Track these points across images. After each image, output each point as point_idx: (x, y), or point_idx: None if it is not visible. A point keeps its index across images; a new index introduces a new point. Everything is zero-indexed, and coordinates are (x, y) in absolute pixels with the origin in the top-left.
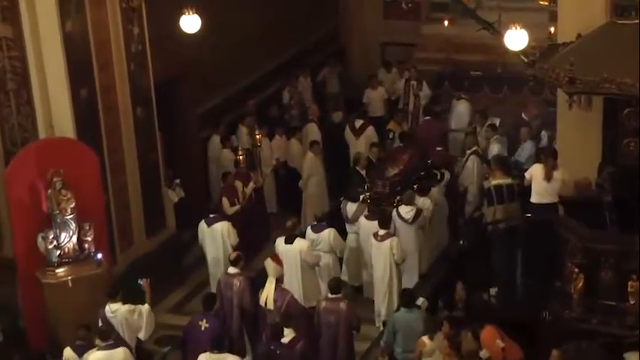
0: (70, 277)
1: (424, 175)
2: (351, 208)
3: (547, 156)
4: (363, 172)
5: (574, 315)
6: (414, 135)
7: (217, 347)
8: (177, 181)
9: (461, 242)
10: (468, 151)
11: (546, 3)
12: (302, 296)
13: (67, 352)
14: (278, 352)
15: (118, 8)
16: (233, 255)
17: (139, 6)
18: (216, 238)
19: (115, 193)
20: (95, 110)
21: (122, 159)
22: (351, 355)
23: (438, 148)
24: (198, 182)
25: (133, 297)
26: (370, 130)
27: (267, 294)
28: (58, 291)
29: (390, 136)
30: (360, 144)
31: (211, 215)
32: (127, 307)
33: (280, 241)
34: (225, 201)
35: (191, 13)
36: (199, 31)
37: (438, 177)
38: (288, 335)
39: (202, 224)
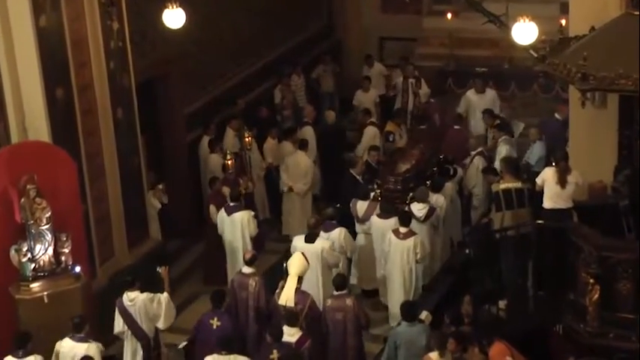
0: (45, 293)
1: (436, 171)
2: (361, 206)
3: (559, 159)
4: (360, 177)
5: (589, 329)
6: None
7: (226, 348)
8: (161, 186)
9: (467, 251)
10: (473, 152)
11: None
12: (321, 298)
13: (66, 342)
14: (280, 354)
15: (96, 2)
16: (248, 255)
17: (118, 0)
18: (236, 227)
19: (95, 201)
20: (72, 112)
21: (102, 164)
22: (361, 354)
23: (456, 127)
24: (184, 188)
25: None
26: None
27: (289, 293)
28: (33, 307)
29: (390, 139)
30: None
31: (232, 204)
32: (145, 295)
33: (299, 240)
34: (212, 209)
35: (175, 6)
36: (184, 26)
37: (451, 172)
38: (294, 335)
39: (222, 213)
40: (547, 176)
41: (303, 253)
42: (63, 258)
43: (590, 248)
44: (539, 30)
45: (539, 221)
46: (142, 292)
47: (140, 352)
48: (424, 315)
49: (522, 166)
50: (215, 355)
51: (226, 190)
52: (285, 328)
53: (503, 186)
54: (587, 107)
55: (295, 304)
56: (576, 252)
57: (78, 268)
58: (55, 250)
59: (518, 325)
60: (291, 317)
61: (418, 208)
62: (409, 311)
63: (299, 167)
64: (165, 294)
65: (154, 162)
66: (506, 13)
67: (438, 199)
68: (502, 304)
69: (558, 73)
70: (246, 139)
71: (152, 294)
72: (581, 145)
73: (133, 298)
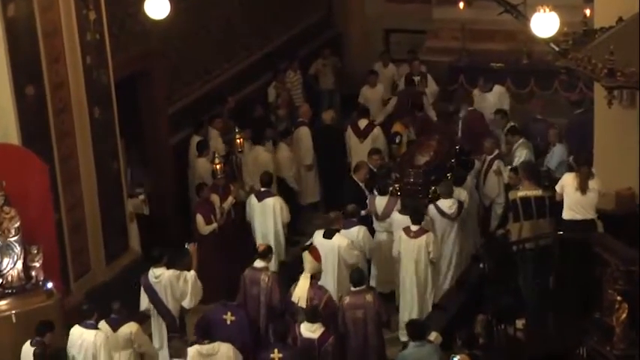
0: (13, 312)
1: (455, 163)
2: (380, 202)
3: (580, 163)
4: (362, 185)
5: (616, 352)
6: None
7: (207, 336)
8: (142, 197)
9: (481, 265)
10: (489, 157)
11: None
12: (336, 297)
13: (102, 324)
14: (282, 355)
15: None
16: (262, 247)
17: None
18: (267, 213)
19: (69, 209)
20: (44, 111)
21: (77, 168)
22: (383, 356)
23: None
24: (169, 195)
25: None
26: (377, 132)
27: (301, 291)
28: (0, 327)
29: (397, 140)
30: (365, 148)
31: (262, 189)
32: (171, 271)
33: (318, 234)
34: (199, 218)
35: None
36: (168, 16)
37: (468, 165)
38: (315, 331)
39: (252, 198)
40: (566, 183)
41: (312, 249)
42: (33, 273)
43: (616, 262)
44: (560, 21)
45: (561, 232)
46: (168, 268)
47: (165, 332)
48: (434, 336)
49: (543, 172)
50: (197, 346)
51: (215, 197)
52: (305, 325)
53: (521, 194)
54: (614, 107)
55: (311, 299)
56: (602, 266)
57: (50, 284)
58: (24, 264)
59: (538, 348)
60: (313, 312)
61: (448, 205)
62: (417, 330)
63: (258, 164)
64: (192, 272)
65: (135, 166)
66: (524, 3)
67: (460, 193)
68: (520, 323)
69: (582, 69)
70: (238, 141)
71: (178, 271)
72: (608, 149)
73: (159, 275)
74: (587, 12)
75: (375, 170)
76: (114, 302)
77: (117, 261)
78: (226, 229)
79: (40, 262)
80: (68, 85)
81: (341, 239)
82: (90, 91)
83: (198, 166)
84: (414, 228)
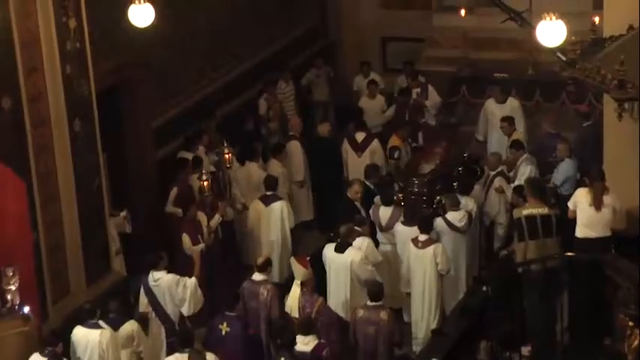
0: None
1: (463, 171)
2: (384, 213)
3: (594, 178)
4: (358, 203)
5: None
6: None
7: (186, 345)
8: (124, 213)
9: (484, 288)
10: (492, 173)
11: None
12: (349, 314)
13: (77, 330)
14: None
15: None
16: (261, 259)
17: None
18: (275, 218)
19: (47, 228)
20: (21, 124)
21: (56, 185)
22: None
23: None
24: (153, 214)
25: None
26: (375, 145)
27: (292, 300)
28: None
29: (395, 155)
30: (363, 163)
31: (268, 193)
32: (171, 276)
33: (330, 248)
34: (185, 238)
35: (142, 1)
36: (153, 24)
37: (478, 172)
38: (309, 343)
39: (258, 203)
40: (579, 198)
41: (298, 257)
42: (9, 296)
43: (628, 285)
44: (568, 29)
45: (570, 253)
46: (168, 272)
47: (164, 335)
48: None
49: (549, 189)
50: (177, 355)
51: (202, 216)
52: (299, 337)
53: (526, 212)
54: (624, 120)
55: (302, 307)
56: (613, 289)
57: (27, 309)
58: None
59: None
60: (305, 324)
61: (458, 218)
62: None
63: (251, 180)
64: (193, 278)
65: (118, 183)
66: (529, 9)
67: (468, 202)
68: (526, 350)
69: (591, 80)
70: (226, 156)
71: (178, 277)
72: (618, 165)
73: (158, 279)
74: (596, 20)
75: (372, 188)
76: (111, 302)
77: (98, 283)
78: (213, 249)
79: (16, 285)
80: (47, 96)
81: (354, 253)
82: (70, 103)
83: (192, 183)
84: (422, 238)
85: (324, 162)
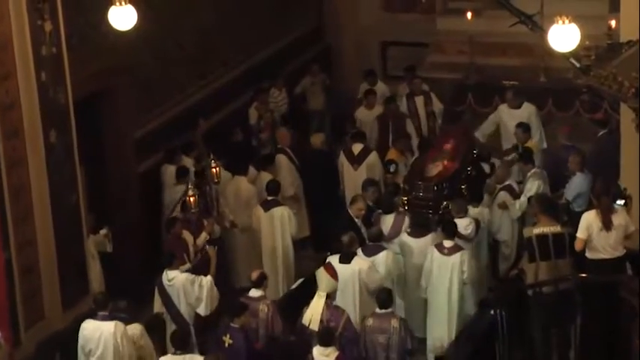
0: None
1: (472, 172)
2: (388, 221)
3: (600, 193)
4: (359, 220)
5: None
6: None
7: (180, 347)
8: (104, 231)
9: (492, 312)
10: (499, 186)
11: None
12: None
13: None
14: None
15: None
16: (255, 274)
17: None
18: (275, 224)
19: (20, 248)
20: None
21: (29, 201)
22: None
23: None
24: (136, 232)
25: None
26: (373, 159)
27: (314, 312)
28: None
29: (392, 169)
30: (359, 176)
31: (269, 198)
32: (185, 275)
33: (334, 259)
34: None
35: (124, 2)
36: (135, 27)
37: (488, 171)
38: (329, 355)
39: (258, 209)
40: (589, 223)
41: (326, 267)
42: None
43: None
44: (582, 33)
45: (583, 275)
46: (182, 271)
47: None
48: None
49: (562, 206)
50: (169, 355)
51: (188, 234)
52: (318, 349)
53: (537, 230)
54: None
55: (327, 321)
56: (630, 313)
57: None
58: None
59: None
60: (326, 335)
61: (464, 225)
62: None
63: (239, 195)
64: (209, 277)
65: (97, 199)
66: (540, 12)
67: (481, 211)
68: None
69: (606, 88)
70: (213, 170)
71: (193, 275)
72: (636, 179)
73: (172, 278)
74: (613, 23)
75: (371, 205)
76: (120, 301)
77: (75, 307)
78: (200, 268)
79: None
80: (20, 105)
81: (361, 263)
82: (45, 112)
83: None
84: (447, 244)
85: (317, 175)
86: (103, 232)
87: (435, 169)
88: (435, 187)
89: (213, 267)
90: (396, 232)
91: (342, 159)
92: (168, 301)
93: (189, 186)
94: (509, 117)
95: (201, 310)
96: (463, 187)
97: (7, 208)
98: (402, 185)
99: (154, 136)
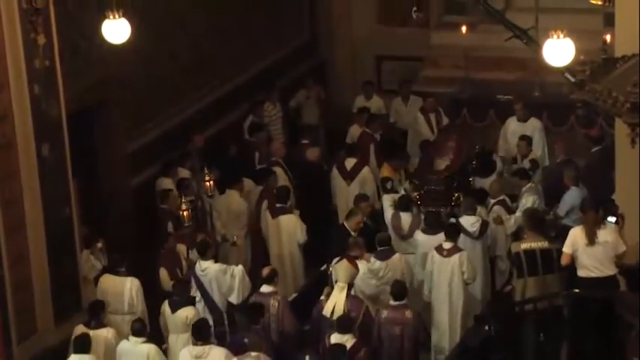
0: None
1: (477, 164)
2: (406, 220)
3: (586, 208)
4: (355, 234)
5: None
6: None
7: (200, 337)
8: (100, 244)
9: (486, 327)
10: (493, 201)
11: (600, 2)
12: None
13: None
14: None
15: (17, 9)
16: (266, 270)
17: (45, 6)
18: (282, 231)
19: (12, 262)
20: None
21: (22, 215)
22: None
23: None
24: (129, 246)
25: None
26: (366, 173)
27: (336, 302)
28: None
29: (388, 187)
30: (352, 191)
31: (277, 205)
32: (218, 265)
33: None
34: (163, 273)
35: (117, 16)
36: (129, 40)
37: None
38: (347, 341)
39: (267, 215)
40: (575, 239)
41: (349, 258)
42: None
43: None
44: (576, 48)
45: (575, 290)
46: (215, 261)
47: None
48: None
49: (550, 221)
50: (190, 347)
51: (182, 248)
52: (336, 336)
53: (525, 245)
54: (637, 146)
55: (349, 311)
56: (624, 329)
57: None
58: None
59: None
60: (345, 323)
61: (470, 222)
62: None
63: (231, 209)
64: (240, 266)
65: (90, 212)
66: (535, 26)
67: (483, 211)
68: None
69: (601, 103)
70: (207, 184)
71: (225, 265)
72: (631, 194)
73: (205, 268)
74: (608, 38)
75: (366, 220)
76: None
77: (68, 322)
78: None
79: None
80: (12, 117)
81: (361, 267)
82: (38, 124)
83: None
84: (446, 245)
85: (312, 189)
86: (98, 245)
87: (443, 163)
88: (446, 180)
89: (243, 256)
90: (413, 230)
91: (335, 173)
92: (203, 290)
93: (183, 200)
94: (514, 129)
95: (234, 299)
96: (471, 179)
97: (0, 222)
98: (412, 181)
99: (148, 149)
